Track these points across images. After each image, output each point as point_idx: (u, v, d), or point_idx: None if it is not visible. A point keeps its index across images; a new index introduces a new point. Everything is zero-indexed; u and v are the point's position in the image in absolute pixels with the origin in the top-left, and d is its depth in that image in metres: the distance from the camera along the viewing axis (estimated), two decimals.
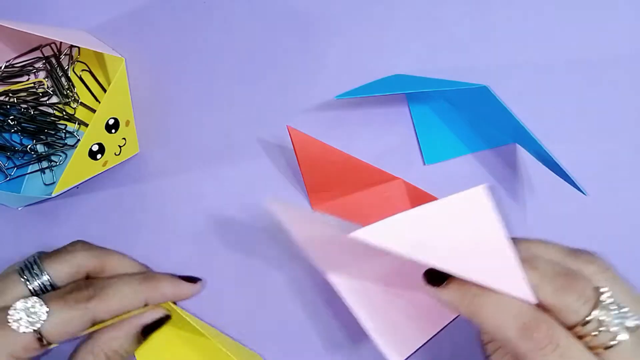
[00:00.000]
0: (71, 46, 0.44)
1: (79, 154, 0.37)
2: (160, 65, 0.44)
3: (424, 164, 0.40)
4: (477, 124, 0.39)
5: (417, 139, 0.40)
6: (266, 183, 0.41)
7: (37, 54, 0.44)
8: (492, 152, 0.39)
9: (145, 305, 0.31)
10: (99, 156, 0.39)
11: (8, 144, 0.43)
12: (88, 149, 0.38)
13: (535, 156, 0.37)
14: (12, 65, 0.44)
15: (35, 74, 0.44)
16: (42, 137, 0.43)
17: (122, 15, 0.45)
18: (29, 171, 0.44)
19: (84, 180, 0.40)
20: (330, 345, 0.39)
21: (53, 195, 0.38)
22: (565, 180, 0.34)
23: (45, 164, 0.43)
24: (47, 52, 0.44)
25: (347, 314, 0.37)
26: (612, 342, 0.21)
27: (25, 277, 0.28)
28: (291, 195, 0.41)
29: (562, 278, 0.23)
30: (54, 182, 0.43)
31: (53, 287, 0.29)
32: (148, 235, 0.42)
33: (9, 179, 0.43)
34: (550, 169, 0.35)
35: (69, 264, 0.30)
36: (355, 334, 0.39)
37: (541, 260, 0.23)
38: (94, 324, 0.29)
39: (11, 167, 0.43)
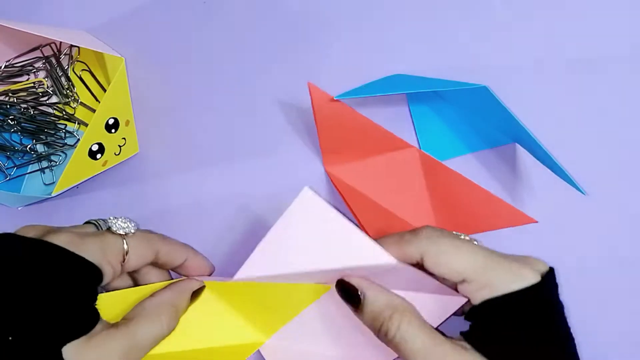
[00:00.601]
0: (71, 46, 0.44)
1: (78, 154, 0.37)
2: (160, 65, 0.44)
3: None
4: (477, 124, 0.39)
5: (417, 139, 0.40)
6: (269, 182, 0.41)
7: (37, 53, 0.44)
8: (492, 152, 0.39)
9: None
10: (98, 156, 0.39)
11: (8, 144, 0.43)
12: (88, 149, 0.38)
13: (534, 156, 0.37)
14: (12, 65, 0.44)
15: (35, 74, 0.44)
16: (41, 136, 0.43)
17: (122, 15, 0.45)
18: (28, 171, 0.44)
19: (83, 180, 0.40)
20: None
21: (53, 195, 0.38)
22: (564, 180, 0.34)
23: (45, 163, 0.43)
24: (47, 52, 0.44)
25: None
26: None
27: (99, 223, 0.31)
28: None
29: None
30: (53, 182, 0.43)
31: None
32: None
33: (9, 179, 0.42)
34: (550, 169, 0.35)
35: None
36: None
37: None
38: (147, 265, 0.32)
39: (11, 167, 0.43)
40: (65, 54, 0.44)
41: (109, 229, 0.30)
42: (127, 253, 0.30)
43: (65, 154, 0.43)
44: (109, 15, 0.45)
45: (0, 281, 0.25)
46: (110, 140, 0.40)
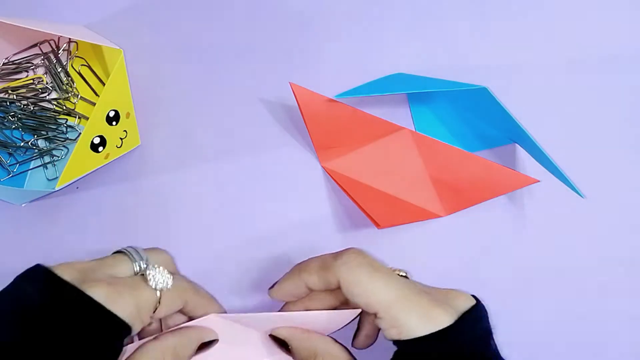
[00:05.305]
0: (69, 42, 0.44)
1: (80, 147, 0.37)
2: (159, 59, 0.44)
3: None
4: (476, 124, 0.39)
5: None
6: (270, 173, 0.41)
7: (36, 50, 0.44)
8: (492, 153, 0.39)
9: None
10: (100, 149, 0.39)
11: (9, 141, 0.43)
12: (90, 142, 0.38)
13: (534, 157, 0.37)
14: (11, 62, 0.44)
15: (34, 70, 0.45)
16: (43, 132, 0.43)
17: (119, 10, 0.45)
18: (31, 167, 0.44)
19: (86, 173, 0.40)
20: None
21: (57, 188, 0.38)
22: (563, 182, 0.34)
23: (47, 159, 0.43)
24: (46, 48, 0.44)
25: None
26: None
27: (132, 257, 0.31)
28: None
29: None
30: (56, 177, 0.43)
31: None
32: (153, 226, 0.42)
33: (12, 176, 0.43)
34: (549, 171, 0.35)
35: (163, 257, 0.34)
36: None
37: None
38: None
39: (14, 164, 0.43)
40: (63, 50, 0.44)
41: (143, 277, 0.30)
42: (158, 304, 0.30)
43: (67, 149, 0.43)
44: (107, 11, 0.45)
45: (33, 327, 0.25)
46: (112, 133, 0.40)
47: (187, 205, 0.42)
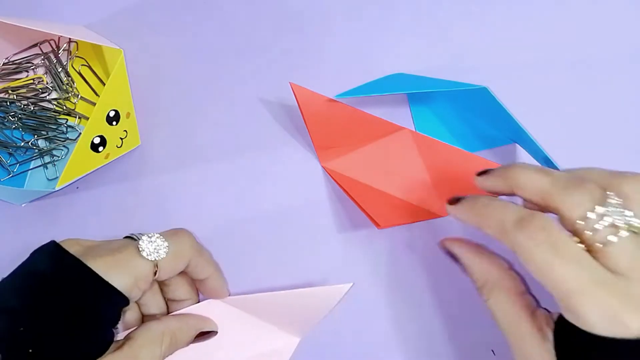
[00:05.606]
0: (69, 42, 0.44)
1: (80, 147, 0.38)
2: (159, 59, 0.44)
3: None
4: (476, 124, 0.39)
5: None
6: (270, 173, 0.41)
7: (36, 50, 0.44)
8: (492, 153, 0.39)
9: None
10: (100, 148, 0.39)
11: (9, 141, 0.43)
12: (90, 142, 0.38)
13: (534, 157, 0.37)
14: (11, 62, 0.44)
15: (34, 70, 0.45)
16: (43, 132, 0.43)
17: (119, 10, 0.45)
18: (31, 167, 0.44)
19: (86, 173, 0.41)
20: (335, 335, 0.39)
21: (57, 188, 0.38)
22: None
23: (47, 159, 0.43)
24: (46, 48, 0.44)
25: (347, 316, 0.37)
26: (611, 239, 0.23)
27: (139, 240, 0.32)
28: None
29: (573, 180, 0.25)
30: (56, 177, 0.43)
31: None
32: (153, 226, 0.42)
33: (12, 176, 0.43)
34: None
35: (181, 239, 0.34)
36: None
37: (558, 172, 0.26)
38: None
39: (14, 164, 0.43)
40: (63, 50, 0.44)
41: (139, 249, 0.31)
42: (157, 271, 0.31)
43: (67, 149, 0.43)
44: (107, 11, 0.45)
45: (36, 294, 0.27)
46: (112, 133, 0.40)
47: (187, 205, 0.42)
